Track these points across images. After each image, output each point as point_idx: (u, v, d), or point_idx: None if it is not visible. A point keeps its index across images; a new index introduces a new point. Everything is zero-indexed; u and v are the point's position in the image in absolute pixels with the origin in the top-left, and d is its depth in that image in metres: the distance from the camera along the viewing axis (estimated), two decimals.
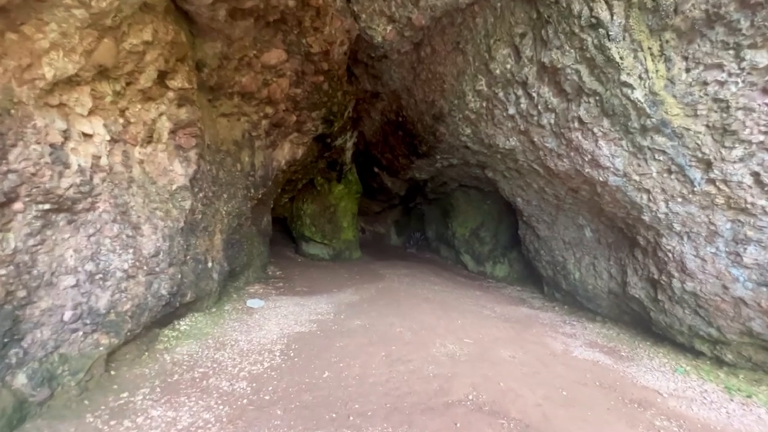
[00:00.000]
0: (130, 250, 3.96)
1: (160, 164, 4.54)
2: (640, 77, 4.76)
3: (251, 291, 7.91)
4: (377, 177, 14.27)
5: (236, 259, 7.82)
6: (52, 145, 3.52)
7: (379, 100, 10.90)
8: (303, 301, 7.48)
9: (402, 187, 14.99)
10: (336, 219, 13.32)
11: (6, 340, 3.36)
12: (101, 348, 3.69)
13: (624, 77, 4.86)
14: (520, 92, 6.90)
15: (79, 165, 3.71)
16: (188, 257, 5.28)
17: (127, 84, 4.06)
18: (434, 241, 16.81)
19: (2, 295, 3.27)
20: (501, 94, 7.26)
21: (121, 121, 4.05)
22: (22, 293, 3.42)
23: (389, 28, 7.71)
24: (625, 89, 4.96)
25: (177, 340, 4.87)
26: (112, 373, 3.81)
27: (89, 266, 3.62)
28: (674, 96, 4.59)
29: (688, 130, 4.69)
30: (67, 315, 3.51)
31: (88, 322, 3.59)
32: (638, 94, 4.85)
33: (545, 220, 9.13)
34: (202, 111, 5.79)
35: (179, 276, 4.78)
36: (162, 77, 4.37)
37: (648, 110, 4.86)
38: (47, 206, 3.53)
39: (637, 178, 5.74)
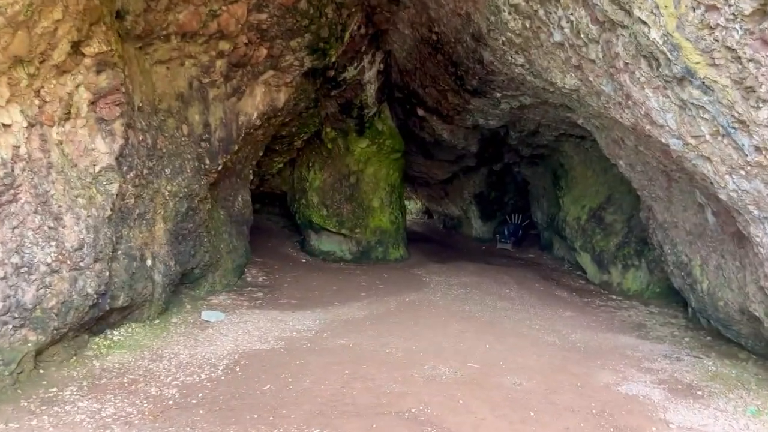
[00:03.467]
0: (53, 243, 3.86)
1: (81, 143, 4.19)
2: (652, 13, 3.47)
3: (214, 302, 6.19)
4: (425, 123, 10.49)
5: (192, 257, 5.97)
6: None
7: (402, 8, 7.98)
8: (282, 316, 5.65)
9: (470, 140, 10.53)
10: (360, 195, 8.99)
11: None
12: (29, 344, 3.75)
13: (637, 12, 3.58)
14: (560, 12, 4.93)
15: (1, 158, 3.67)
16: (119, 252, 4.57)
17: (41, 62, 3.81)
18: (545, 230, 10.81)
19: None
20: (541, 12, 5.21)
21: (36, 102, 3.83)
22: None
23: None
24: (643, 27, 3.62)
25: (108, 349, 4.48)
26: (41, 371, 3.92)
27: (15, 259, 3.63)
28: (688, 40, 3.34)
29: (715, 82, 3.39)
30: None
31: (16, 315, 3.65)
32: (655, 35, 3.56)
33: (659, 195, 6.18)
34: (129, 64, 4.73)
35: (107, 274, 4.32)
36: (76, 46, 4.00)
37: (669, 55, 3.56)
38: None
39: (692, 141, 4.16)
